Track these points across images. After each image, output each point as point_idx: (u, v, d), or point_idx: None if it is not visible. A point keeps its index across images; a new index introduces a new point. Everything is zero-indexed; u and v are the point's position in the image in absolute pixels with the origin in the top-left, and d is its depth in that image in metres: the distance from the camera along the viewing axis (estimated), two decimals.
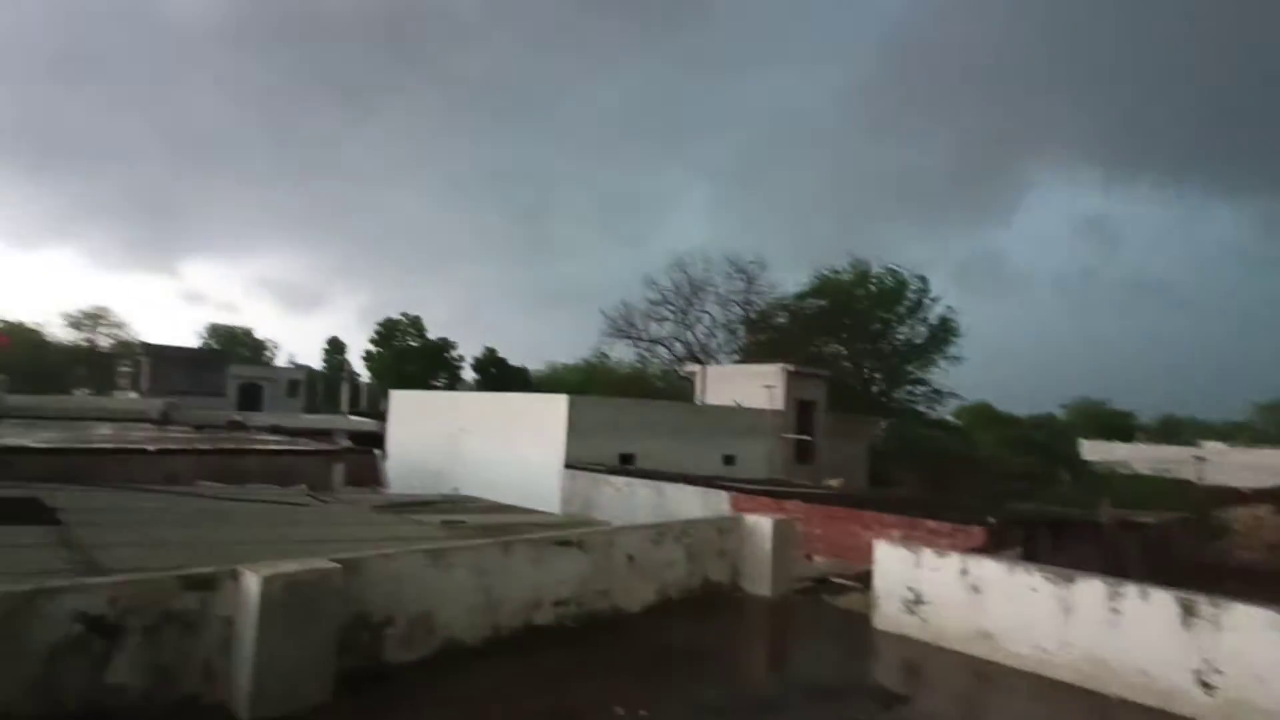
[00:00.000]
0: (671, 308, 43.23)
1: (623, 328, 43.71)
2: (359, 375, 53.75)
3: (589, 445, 18.41)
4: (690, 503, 15.20)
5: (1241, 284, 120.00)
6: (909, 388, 42.81)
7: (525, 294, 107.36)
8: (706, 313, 43.26)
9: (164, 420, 27.24)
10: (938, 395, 42.21)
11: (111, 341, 59.20)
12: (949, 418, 47.75)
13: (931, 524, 12.69)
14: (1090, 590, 5.57)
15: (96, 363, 56.88)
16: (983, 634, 6.07)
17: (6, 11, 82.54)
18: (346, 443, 23.31)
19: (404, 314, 52.52)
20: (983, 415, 64.04)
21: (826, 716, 4.82)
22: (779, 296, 42.65)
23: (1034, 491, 30.76)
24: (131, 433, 21.70)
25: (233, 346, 66.69)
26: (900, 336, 41.89)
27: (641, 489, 16.56)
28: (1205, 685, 4.96)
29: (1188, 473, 30.47)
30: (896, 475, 33.58)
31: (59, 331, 58.74)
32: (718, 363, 38.37)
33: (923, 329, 41.60)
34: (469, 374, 52.80)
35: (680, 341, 43.60)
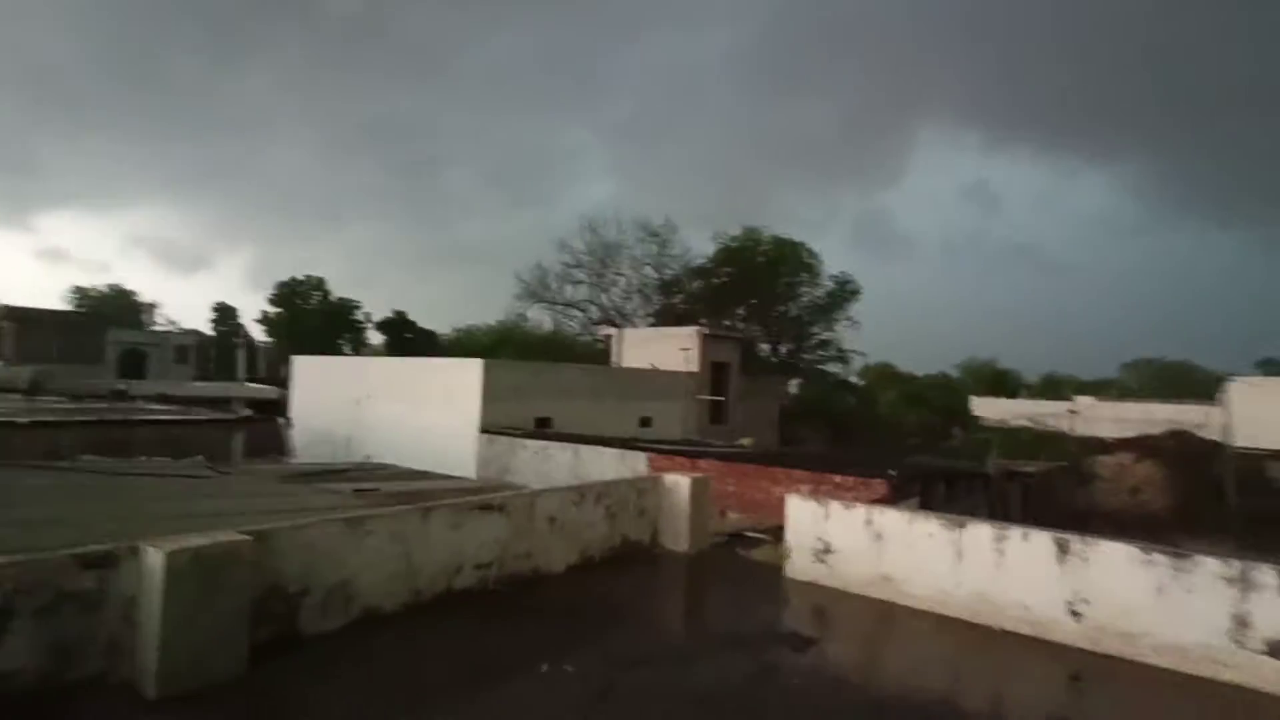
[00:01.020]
0: (585, 271, 43.05)
1: (537, 290, 43.24)
2: (255, 340, 50.92)
3: (505, 409, 18.25)
4: (608, 465, 15.38)
5: (1111, 249, 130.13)
6: (817, 350, 44.50)
7: (427, 254, 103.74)
8: (621, 275, 43.34)
9: (34, 390, 24.99)
10: (841, 356, 44.07)
11: None
12: (853, 378, 50.03)
13: (837, 478, 13.39)
14: (979, 534, 6.05)
15: None
16: (885, 578, 6.50)
17: None
18: (246, 411, 22.15)
19: (307, 275, 49.92)
20: (885, 375, 67.41)
21: (741, 662, 5.07)
22: (690, 260, 43.23)
23: (930, 445, 32.85)
24: None
25: (107, 310, 61.53)
26: (803, 300, 43.35)
27: (559, 452, 16.60)
28: (1075, 614, 5.52)
29: (1063, 426, 33.14)
30: (805, 433, 35.03)
31: None
32: (634, 326, 38.60)
33: (821, 292, 43.22)
34: (376, 338, 50.95)
35: (595, 305, 43.58)
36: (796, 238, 43.49)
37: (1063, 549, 5.62)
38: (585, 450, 16.42)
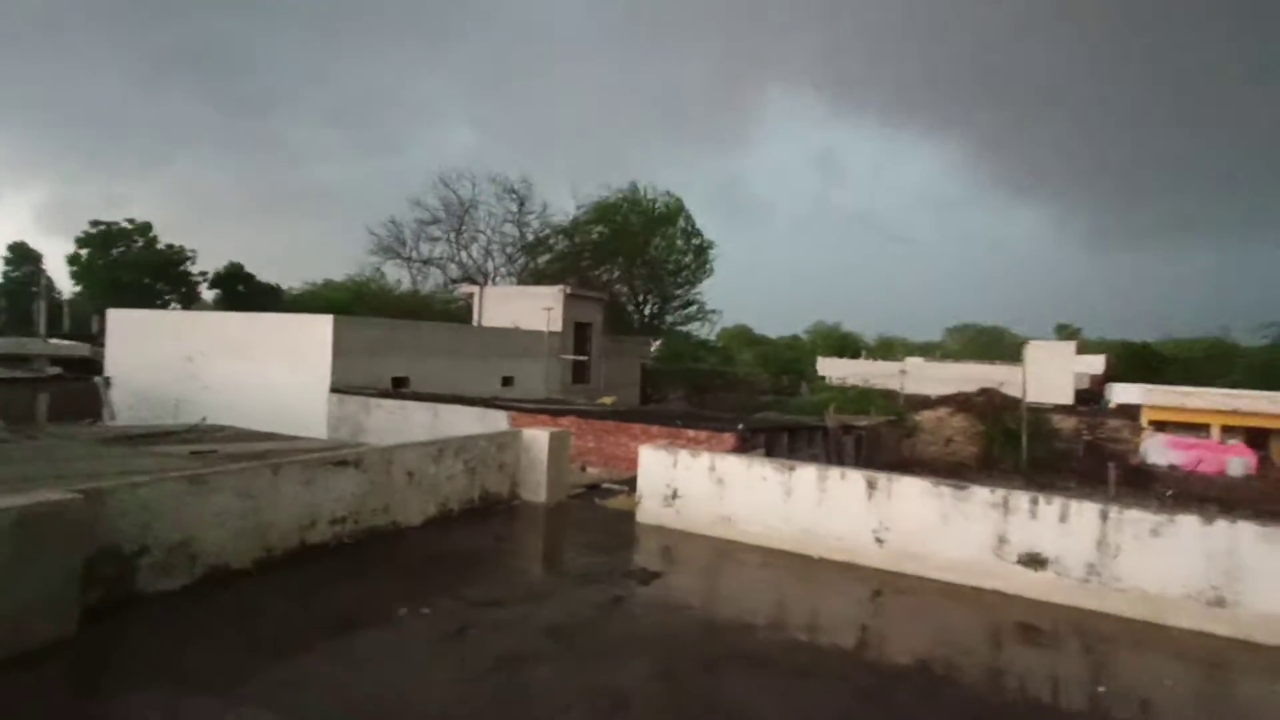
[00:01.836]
0: (442, 228, 41.63)
1: (392, 246, 41.35)
2: (59, 291, 45.01)
3: (358, 368, 17.59)
4: (468, 423, 15.32)
5: (939, 220, 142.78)
6: (679, 310, 45.92)
7: (266, 201, 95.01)
8: (481, 233, 42.33)
9: None
10: (702, 314, 45.77)
11: None
12: (712, 339, 52.19)
13: (690, 433, 14.23)
14: (806, 475, 6.80)
15: None
16: (726, 519, 7.15)
17: None
18: (54, 370, 19.83)
19: (130, 220, 44.37)
20: (742, 337, 70.86)
21: (591, 595, 5.48)
22: (549, 218, 42.93)
23: (780, 403, 35.18)
24: None
25: None
26: (669, 260, 44.44)
27: (417, 411, 16.32)
28: (879, 541, 6.40)
29: (894, 385, 36.60)
30: (667, 392, 36.34)
31: None
32: (495, 284, 37.97)
33: (689, 253, 44.51)
34: (209, 293, 46.54)
35: (454, 262, 42.36)
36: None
37: (871, 485, 6.47)
38: (444, 409, 16.25)
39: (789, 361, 51.44)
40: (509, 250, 42.63)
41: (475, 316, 27.82)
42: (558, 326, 25.37)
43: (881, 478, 6.48)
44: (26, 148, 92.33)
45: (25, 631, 3.98)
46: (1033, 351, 31.33)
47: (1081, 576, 5.60)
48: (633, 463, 8.52)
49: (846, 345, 68.61)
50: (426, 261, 42.24)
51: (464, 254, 42.36)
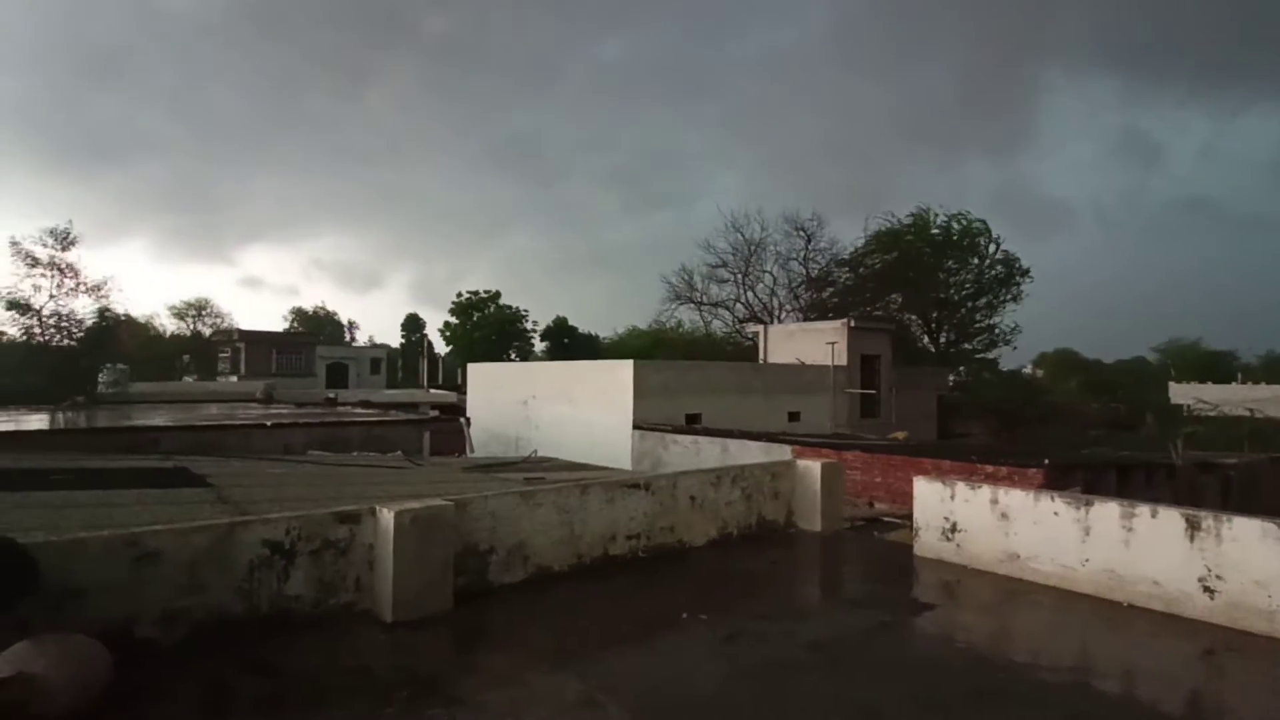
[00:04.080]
0: (730, 270, 43.65)
1: (684, 292, 44.45)
2: (436, 351, 56.37)
3: (656, 406, 19.39)
4: (754, 457, 15.98)
5: None
6: (979, 338, 41.99)
7: (569, 259, 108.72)
8: (767, 272, 43.50)
9: (268, 399, 29.74)
10: (1008, 342, 41.25)
11: (211, 329, 63.70)
12: (1026, 366, 46.68)
13: (989, 468, 13.13)
14: (1105, 512, 6.16)
15: (199, 350, 61.40)
16: (1011, 555, 6.74)
17: (30, 13, 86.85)
18: (433, 413, 25.03)
19: (485, 290, 54.45)
20: (1065, 362, 61.97)
21: (859, 619, 5.65)
22: (839, 252, 42.44)
23: (1114, 437, 30.17)
24: (241, 411, 23.97)
25: (316, 328, 70.63)
26: (967, 285, 40.97)
27: (708, 446, 17.46)
28: (1209, 590, 5.54)
29: None
30: (966, 426, 33.44)
31: (166, 322, 63.66)
32: (780, 322, 38.67)
33: (990, 274, 40.51)
34: (540, 345, 54.63)
35: (741, 303, 44.04)
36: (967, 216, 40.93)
37: (1193, 525, 5.65)
38: (733, 444, 17.16)
39: (1129, 388, 43.76)
40: (794, 287, 43.20)
41: (761, 354, 28.71)
42: (843, 360, 25.09)
43: (1207, 517, 5.63)
44: (399, 238, 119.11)
45: (423, 603, 5.47)
46: None
47: None
48: None
49: (1213, 365, 56.26)
50: (715, 304, 44.67)
51: (750, 294, 43.96)
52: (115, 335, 34.54)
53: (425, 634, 5.21)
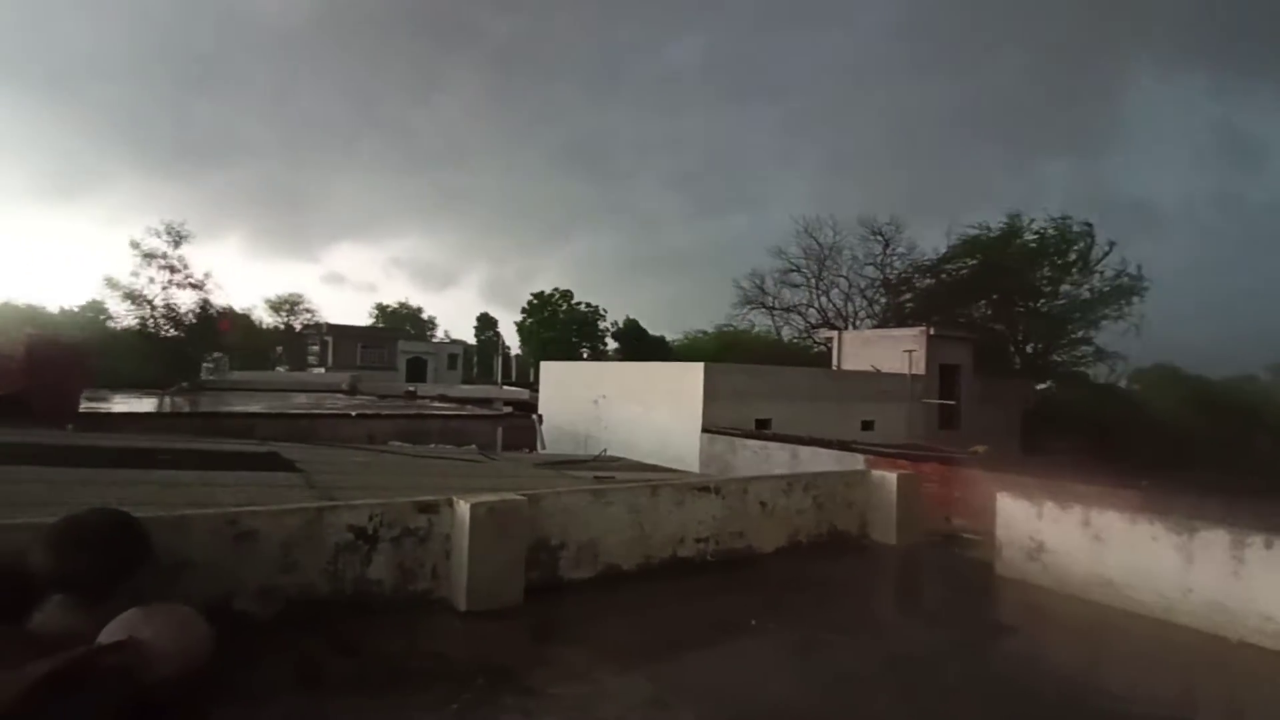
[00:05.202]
0: (803, 274, 42.96)
1: (755, 296, 44.02)
2: (509, 348, 57.74)
3: (726, 410, 19.24)
4: (825, 465, 15.62)
5: None
6: (1075, 349, 39.81)
7: (638, 260, 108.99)
8: (842, 278, 42.60)
9: (352, 391, 31.12)
10: (1102, 355, 39.00)
11: (303, 323, 67.17)
12: (1123, 381, 43.99)
13: (1080, 487, 12.46)
14: (1212, 539, 5.75)
15: (291, 342, 64.85)
16: (1104, 581, 6.37)
17: (141, 19, 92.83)
18: (507, 409, 25.64)
19: (556, 289, 55.54)
20: (1166, 378, 58.06)
21: (934, 636, 5.46)
22: (917, 258, 41.14)
23: (1221, 459, 28.13)
24: (328, 401, 25.15)
25: (398, 323, 73.47)
26: (1063, 294, 38.90)
27: (777, 451, 17.21)
28: None
29: None
30: (1054, 442, 31.79)
31: (263, 315, 67.54)
32: (855, 328, 37.78)
33: (1094, 283, 38.27)
34: (612, 345, 55.15)
35: (814, 308, 43.29)
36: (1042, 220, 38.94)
37: None
38: (803, 450, 16.84)
39: (1237, 408, 40.66)
40: (869, 293, 42.17)
41: (834, 360, 28.11)
42: (920, 369, 24.29)
43: None
44: (470, 238, 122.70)
45: (497, 594, 5.60)
46: None
47: None
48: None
49: None
50: (788, 309, 44.07)
51: (823, 299, 43.16)
52: (216, 327, 36.91)
53: (498, 624, 5.34)
